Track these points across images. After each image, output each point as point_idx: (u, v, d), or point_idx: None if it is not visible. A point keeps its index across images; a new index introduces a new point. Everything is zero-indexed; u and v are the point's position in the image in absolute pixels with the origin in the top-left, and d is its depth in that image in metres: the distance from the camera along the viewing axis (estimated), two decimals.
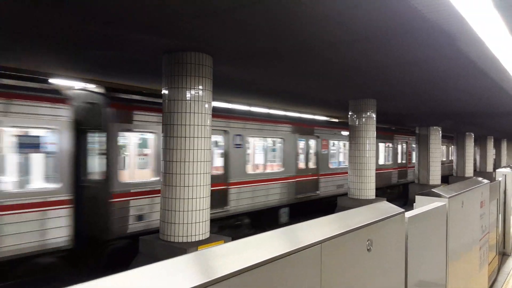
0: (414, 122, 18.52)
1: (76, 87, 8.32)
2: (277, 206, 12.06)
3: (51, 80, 8.10)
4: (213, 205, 7.91)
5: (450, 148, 28.98)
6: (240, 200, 10.64)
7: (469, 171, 23.89)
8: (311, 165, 13.82)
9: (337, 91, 10.38)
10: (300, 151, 13.32)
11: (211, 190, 6.70)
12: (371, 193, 11.12)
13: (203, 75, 6.33)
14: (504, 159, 36.41)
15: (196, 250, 5.77)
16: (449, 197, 3.20)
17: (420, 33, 5.21)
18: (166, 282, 1.04)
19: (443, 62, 6.77)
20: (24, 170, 6.90)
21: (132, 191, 8.01)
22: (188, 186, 6.22)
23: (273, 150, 12.51)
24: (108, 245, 7.71)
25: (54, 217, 6.90)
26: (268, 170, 11.89)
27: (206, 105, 6.41)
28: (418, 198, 3.29)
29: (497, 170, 7.76)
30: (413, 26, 4.92)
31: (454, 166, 24.49)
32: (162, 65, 6.46)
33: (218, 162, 10.25)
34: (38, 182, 7.00)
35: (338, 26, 4.99)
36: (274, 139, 12.30)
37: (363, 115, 11.10)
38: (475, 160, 27.37)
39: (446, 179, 22.37)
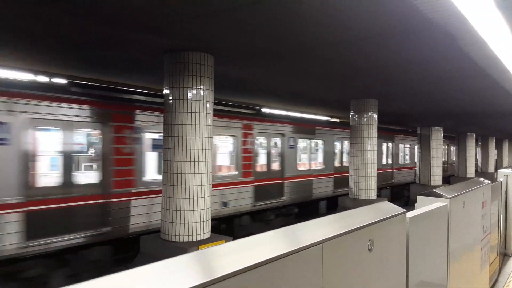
0: (415, 122, 18.49)
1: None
2: (319, 198, 14.02)
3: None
4: (272, 196, 11.53)
5: (451, 148, 28.92)
6: (292, 192, 12.53)
7: (470, 171, 23.86)
8: (346, 163, 15.22)
9: (338, 91, 10.38)
10: (336, 151, 15.26)
11: (272, 184, 9.95)
12: (372, 193, 11.11)
13: (204, 75, 6.34)
14: (505, 160, 36.33)
15: (197, 249, 5.77)
16: (451, 198, 3.20)
17: (422, 33, 5.20)
18: (167, 281, 1.04)
19: (444, 62, 6.77)
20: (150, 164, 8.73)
21: (219, 182, 10.04)
22: (189, 186, 6.22)
23: (316, 150, 14.46)
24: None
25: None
26: (313, 167, 13.74)
27: (208, 105, 6.41)
28: (419, 198, 3.28)
29: (498, 170, 7.75)
30: (415, 26, 4.92)
31: (456, 168, 24.47)
32: (164, 64, 6.47)
33: (277, 160, 12.24)
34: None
35: (339, 26, 4.98)
36: (317, 140, 14.22)
37: (365, 115, 11.09)
38: (476, 160, 27.34)
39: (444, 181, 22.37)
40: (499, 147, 35.22)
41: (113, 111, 7.76)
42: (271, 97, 12.33)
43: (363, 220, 1.93)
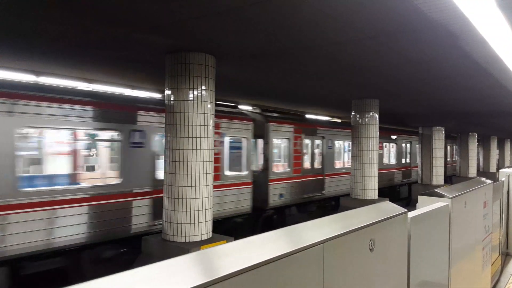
0: (417, 122, 18.47)
1: (252, 110, 12.93)
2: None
3: (240, 106, 13.19)
4: (315, 190, 13.22)
5: (453, 148, 28.84)
6: (331, 187, 14.15)
7: (472, 171, 23.81)
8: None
9: (340, 91, 10.38)
10: None
11: (315, 179, 12.31)
12: (374, 193, 11.10)
13: (205, 75, 6.34)
14: (507, 159, 36.27)
15: (199, 250, 5.78)
16: (452, 197, 3.20)
17: (424, 33, 5.20)
18: (169, 281, 1.04)
19: (446, 61, 6.76)
20: (234, 162, 10.47)
21: (277, 177, 11.71)
22: (191, 186, 6.23)
23: (349, 150, 15.47)
24: (265, 212, 11.50)
25: (244, 192, 10.37)
26: (346, 166, 14.88)
27: (209, 105, 6.42)
28: (421, 198, 3.28)
29: (500, 170, 7.73)
30: (417, 26, 4.92)
31: (457, 168, 24.42)
32: (165, 65, 6.48)
33: (318, 159, 13.92)
34: (243, 170, 10.53)
35: (343, 26, 4.99)
36: (349, 142, 15.62)
37: (366, 115, 11.08)
38: (478, 160, 27.28)
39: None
40: (501, 146, 35.15)
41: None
42: (271, 97, 12.34)
43: (364, 220, 1.93)
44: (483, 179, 5.07)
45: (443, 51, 6.09)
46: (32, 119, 6.30)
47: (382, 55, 6.44)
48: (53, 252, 6.54)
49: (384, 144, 18.22)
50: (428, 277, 2.78)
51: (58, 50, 6.50)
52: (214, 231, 6.85)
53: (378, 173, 15.91)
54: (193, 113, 6.24)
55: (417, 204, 3.22)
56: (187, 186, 6.22)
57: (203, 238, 6.35)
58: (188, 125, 6.22)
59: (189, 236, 6.24)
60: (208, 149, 6.40)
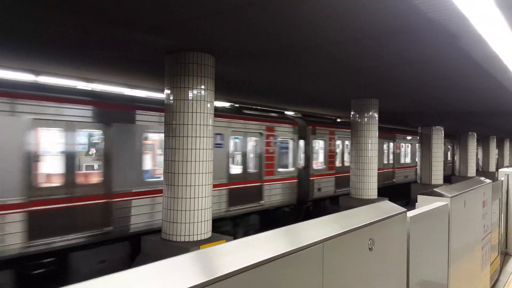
0: (416, 121, 18.48)
1: (295, 115, 14.94)
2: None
3: (286, 112, 15.10)
4: (346, 185, 13.26)
5: (452, 147, 28.84)
6: None
7: (471, 170, 23.82)
8: (391, 160, 19.58)
9: (340, 91, 10.38)
10: (385, 151, 18.95)
11: (346, 175, 13.13)
12: (373, 192, 11.11)
13: (205, 75, 6.34)
14: (507, 159, 36.30)
15: (198, 249, 5.77)
16: (451, 197, 3.20)
17: (423, 32, 5.20)
18: (168, 281, 1.04)
19: (445, 61, 6.76)
20: (283, 160, 12.41)
21: (317, 174, 13.64)
22: (190, 186, 6.23)
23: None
24: (306, 203, 13.11)
25: (291, 186, 12.33)
26: None
27: (208, 105, 6.41)
28: (420, 197, 3.28)
29: (499, 169, 7.73)
30: (416, 25, 4.92)
31: (457, 167, 24.42)
32: (165, 64, 6.47)
33: (348, 157, 15.18)
34: (289, 167, 12.52)
35: (342, 25, 4.99)
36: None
37: (365, 115, 11.08)
38: (477, 159, 27.29)
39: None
40: (500, 146, 35.18)
41: (265, 124, 11.63)
42: (270, 97, 12.33)
43: (363, 219, 1.93)
44: (482, 178, 5.08)
45: (442, 51, 6.08)
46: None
47: (381, 55, 6.44)
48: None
49: (401, 144, 20.60)
50: (428, 277, 2.78)
51: (58, 50, 6.49)
52: (269, 218, 8.88)
53: (397, 171, 18.30)
54: (192, 112, 6.23)
55: (416, 203, 3.22)
56: (186, 186, 6.22)
57: (202, 238, 6.34)
58: (187, 124, 6.22)
59: (189, 235, 6.23)
60: (208, 148, 6.40)
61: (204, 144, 6.34)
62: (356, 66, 7.29)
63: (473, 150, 24.19)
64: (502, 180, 6.82)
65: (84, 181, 7.44)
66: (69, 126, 7.00)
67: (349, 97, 11.23)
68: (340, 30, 5.15)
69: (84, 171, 7.59)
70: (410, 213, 2.47)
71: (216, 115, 8.79)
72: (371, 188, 11.04)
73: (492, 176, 16.98)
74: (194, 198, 6.25)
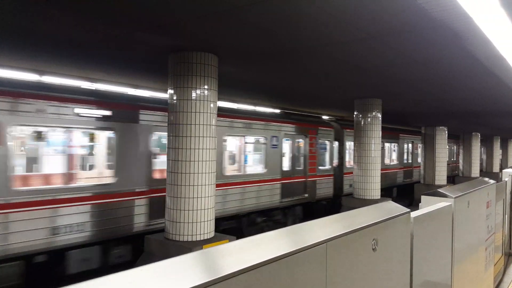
0: (420, 122, 18.44)
1: (330, 119, 16.38)
2: (396, 185, 19.04)
3: (323, 117, 16.84)
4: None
5: (452, 148, 28.70)
6: (382, 179, 15.71)
7: (475, 171, 23.72)
8: (410, 160, 21.23)
9: (343, 91, 10.36)
10: (405, 151, 20.51)
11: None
12: (376, 193, 11.07)
13: (208, 75, 6.34)
14: (511, 159, 36.14)
15: (201, 249, 5.78)
16: (455, 197, 3.18)
17: (427, 32, 5.18)
18: (171, 280, 1.04)
19: (449, 61, 6.74)
20: (322, 159, 13.93)
21: (348, 171, 14.46)
22: (193, 185, 6.23)
23: (394, 150, 19.62)
24: (340, 198, 13.27)
25: (329, 182, 13.97)
26: (391, 163, 18.94)
27: (212, 105, 6.42)
28: (424, 198, 3.27)
29: (503, 170, 7.70)
30: (419, 25, 4.90)
31: (460, 167, 24.33)
32: (168, 64, 6.48)
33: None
34: (326, 165, 14.08)
35: (347, 26, 4.98)
36: (394, 143, 19.53)
37: (369, 115, 11.05)
38: (481, 160, 27.17)
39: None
40: (504, 146, 35.02)
41: (309, 128, 13.04)
42: (273, 96, 12.33)
43: (367, 219, 1.93)
44: (486, 179, 5.05)
45: (446, 51, 6.06)
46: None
47: (386, 55, 6.43)
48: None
49: (419, 145, 21.68)
50: (431, 277, 2.77)
51: (59, 49, 6.51)
52: (310, 210, 10.32)
53: (413, 169, 19.72)
54: (195, 112, 6.24)
55: (420, 204, 3.21)
56: (189, 185, 6.22)
57: (205, 237, 6.35)
58: (191, 124, 6.22)
59: (191, 235, 6.24)
60: (210, 148, 6.40)
61: (207, 144, 6.34)
62: (359, 66, 7.27)
63: (477, 150, 24.09)
64: (506, 181, 6.78)
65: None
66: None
67: (352, 97, 11.20)
68: (343, 29, 5.14)
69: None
70: (414, 214, 2.46)
71: (271, 120, 11.44)
72: (374, 189, 11.00)
73: (496, 177, 16.90)
74: (197, 197, 6.25)
